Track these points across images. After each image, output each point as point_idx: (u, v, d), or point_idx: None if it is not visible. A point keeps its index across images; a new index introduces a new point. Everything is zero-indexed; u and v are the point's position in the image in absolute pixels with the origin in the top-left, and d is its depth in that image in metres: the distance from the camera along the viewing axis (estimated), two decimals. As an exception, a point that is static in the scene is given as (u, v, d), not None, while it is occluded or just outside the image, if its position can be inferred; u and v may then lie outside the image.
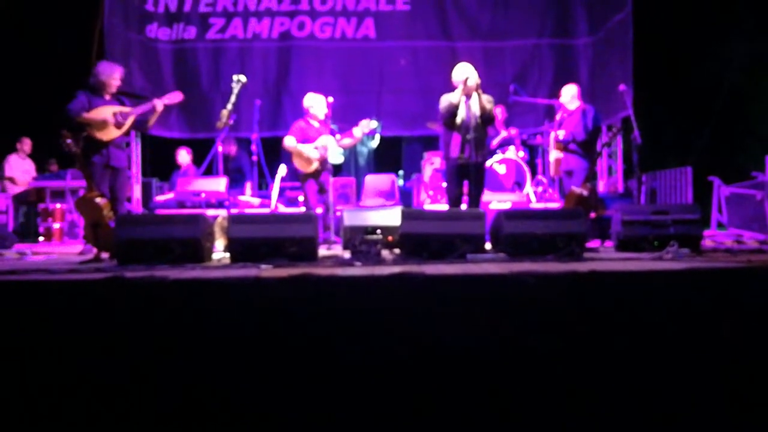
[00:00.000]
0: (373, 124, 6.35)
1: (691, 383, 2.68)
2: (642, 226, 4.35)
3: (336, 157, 6.26)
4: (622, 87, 6.31)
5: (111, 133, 5.15)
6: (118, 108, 5.21)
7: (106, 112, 5.16)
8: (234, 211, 5.83)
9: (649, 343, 2.70)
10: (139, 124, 5.36)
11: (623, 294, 2.83)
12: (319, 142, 6.19)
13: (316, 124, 6.32)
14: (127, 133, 5.40)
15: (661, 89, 10.92)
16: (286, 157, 8.97)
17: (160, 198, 7.43)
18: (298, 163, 6.33)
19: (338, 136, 6.31)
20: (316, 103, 6.34)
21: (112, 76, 5.25)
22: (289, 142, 6.30)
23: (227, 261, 3.95)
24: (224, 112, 5.32)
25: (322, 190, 6.29)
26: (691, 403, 2.65)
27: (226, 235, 4.12)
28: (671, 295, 2.85)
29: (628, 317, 2.77)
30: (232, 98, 5.41)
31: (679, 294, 2.86)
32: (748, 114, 12.25)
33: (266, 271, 3.33)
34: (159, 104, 5.21)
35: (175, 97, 5.41)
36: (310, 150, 6.20)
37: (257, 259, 3.70)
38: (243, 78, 5.53)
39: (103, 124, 5.12)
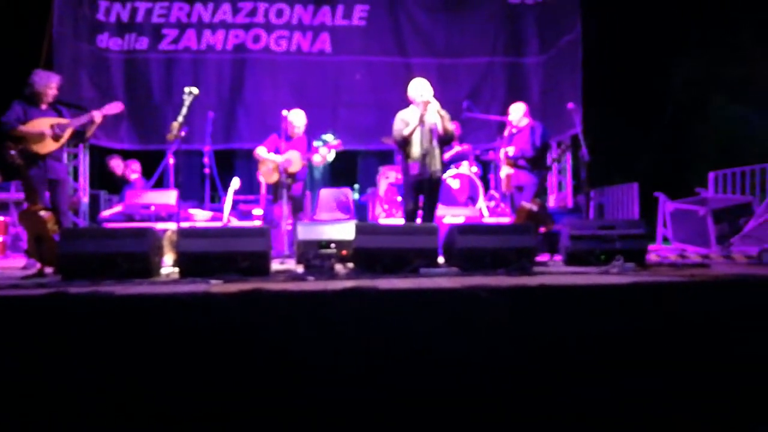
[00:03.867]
0: (333, 141, 6.47)
1: (636, 393, 2.74)
2: (589, 240, 4.44)
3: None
4: (570, 105, 6.48)
5: (48, 146, 5.03)
6: (55, 120, 5.09)
7: (43, 124, 5.04)
8: (184, 224, 5.73)
9: (595, 355, 2.76)
10: (78, 136, 5.26)
11: (571, 307, 2.89)
12: (283, 156, 6.25)
13: (291, 138, 6.42)
14: (71, 145, 5.32)
15: (610, 107, 11.24)
16: (239, 169, 8.94)
17: (106, 213, 7.24)
18: (263, 174, 6.38)
19: (326, 149, 6.37)
20: (296, 120, 6.49)
21: (48, 85, 5.14)
22: (258, 151, 6.52)
23: (176, 276, 3.87)
24: (175, 124, 5.25)
25: (297, 207, 6.41)
26: (636, 413, 2.71)
27: (175, 250, 4.04)
28: (617, 308, 2.92)
29: (576, 330, 2.82)
30: (183, 110, 5.34)
31: (625, 307, 2.93)
32: (693, 132, 12.70)
33: (216, 286, 3.27)
34: (97, 116, 5.12)
35: (115, 107, 5.33)
36: (272, 162, 6.28)
37: (207, 273, 3.63)
38: (195, 90, 5.48)
39: (39, 137, 5.01)
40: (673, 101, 11.55)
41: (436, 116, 5.48)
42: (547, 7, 8.96)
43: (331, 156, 6.52)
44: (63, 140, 5.08)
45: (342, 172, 10.01)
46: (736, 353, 2.84)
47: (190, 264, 3.79)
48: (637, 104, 11.93)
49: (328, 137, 8.34)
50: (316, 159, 6.39)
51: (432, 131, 5.44)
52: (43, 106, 5.16)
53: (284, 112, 6.36)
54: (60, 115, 5.23)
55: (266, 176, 6.42)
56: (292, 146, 6.37)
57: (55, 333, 2.59)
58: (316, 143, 6.69)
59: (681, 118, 12.20)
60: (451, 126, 5.59)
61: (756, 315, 2.93)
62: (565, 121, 7.54)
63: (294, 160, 6.29)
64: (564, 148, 6.86)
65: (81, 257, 3.74)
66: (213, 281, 3.45)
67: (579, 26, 8.22)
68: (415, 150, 5.44)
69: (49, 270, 4.36)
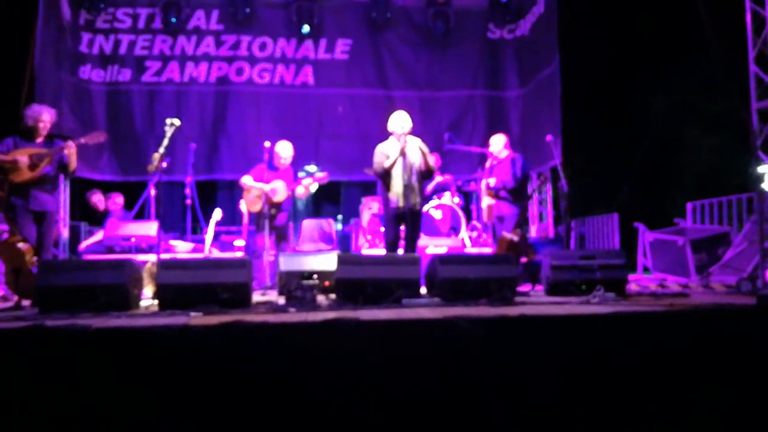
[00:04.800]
0: (319, 174, 6.47)
1: (617, 421, 2.74)
2: (570, 270, 4.48)
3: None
4: (549, 137, 6.57)
5: (23, 175, 4.96)
6: (35, 150, 5.04)
7: (21, 153, 5.00)
8: (165, 256, 5.68)
9: (575, 384, 2.75)
10: (62, 168, 5.19)
11: (552, 337, 2.89)
12: (269, 185, 6.25)
13: (277, 168, 6.44)
14: (59, 176, 5.26)
15: (590, 139, 11.41)
16: (221, 200, 8.91)
17: (85, 244, 7.15)
18: (247, 202, 6.35)
19: (310, 181, 6.36)
20: (283, 151, 6.46)
21: (40, 119, 5.10)
22: (244, 180, 6.45)
23: (155, 308, 3.83)
24: (156, 156, 5.23)
25: (281, 237, 6.35)
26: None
27: (155, 282, 4.00)
28: (597, 338, 2.93)
29: (557, 360, 2.82)
30: (165, 141, 5.34)
31: (605, 337, 2.94)
32: (671, 163, 12.91)
33: (195, 318, 3.24)
34: (71, 145, 5.05)
35: (97, 137, 5.30)
36: (257, 191, 6.27)
37: (187, 306, 3.60)
38: (176, 121, 5.48)
39: (14, 166, 4.94)
40: (651, 133, 11.75)
41: (417, 152, 5.54)
42: (525, 42, 9.16)
43: (313, 188, 6.53)
44: (39, 169, 5.00)
45: (325, 202, 10.01)
46: (716, 382, 2.86)
47: (170, 296, 3.76)
48: (616, 136, 12.13)
49: (311, 168, 8.36)
50: (299, 191, 6.40)
51: (412, 165, 5.49)
52: (39, 140, 5.11)
53: (267, 144, 6.38)
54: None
55: (250, 205, 6.40)
56: (278, 176, 6.38)
57: (32, 367, 2.54)
58: (300, 174, 6.70)
59: (660, 150, 12.39)
60: (432, 161, 5.68)
61: (735, 343, 2.95)
62: (545, 153, 7.64)
63: (279, 189, 6.29)
64: (543, 180, 6.94)
65: (58, 290, 3.69)
66: (193, 313, 3.43)
67: (557, 60, 8.38)
68: (396, 183, 5.48)
69: (26, 303, 4.30)
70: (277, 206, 6.32)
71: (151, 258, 5.34)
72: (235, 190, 7.86)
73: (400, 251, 5.56)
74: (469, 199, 8.52)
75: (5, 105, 7.29)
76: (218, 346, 2.63)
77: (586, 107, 11.03)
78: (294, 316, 3.37)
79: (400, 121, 5.53)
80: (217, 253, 6.75)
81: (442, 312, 3.29)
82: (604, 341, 2.89)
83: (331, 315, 3.15)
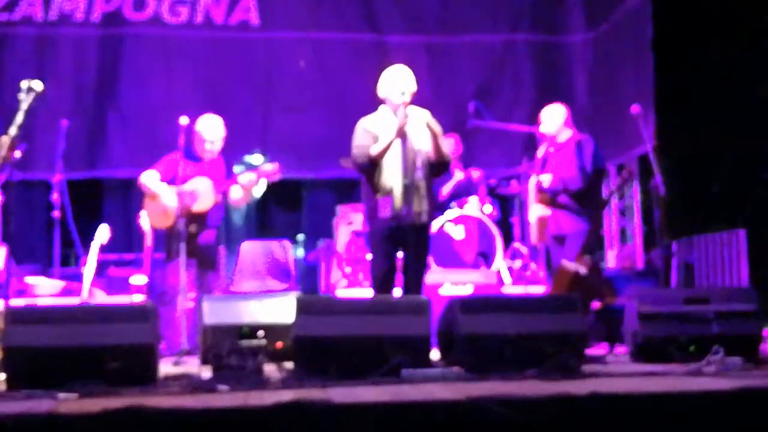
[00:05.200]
0: (267, 167, 6.40)
1: None
2: (670, 321, 4.52)
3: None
4: (635, 108, 6.57)
5: None
6: None
7: None
8: (17, 302, 5.66)
9: None
10: None
11: (640, 429, 2.90)
12: (187, 185, 6.20)
13: (199, 159, 6.38)
14: None
15: (698, 112, 11.46)
16: (110, 212, 8.91)
17: None
18: (150, 214, 6.32)
19: (252, 177, 6.31)
20: (209, 131, 6.43)
21: None
22: (146, 178, 6.36)
23: (3, 386, 3.85)
24: (5, 139, 5.23)
25: (205, 268, 6.34)
26: None
27: (1, 344, 4.01)
28: (713, 429, 2.94)
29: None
30: (20, 117, 5.33)
31: (726, 426, 2.95)
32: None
33: (66, 402, 3.25)
34: None
35: None
36: (167, 195, 6.21)
37: (54, 383, 3.60)
38: (38, 85, 5.48)
39: None
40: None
41: (425, 132, 5.55)
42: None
43: (259, 190, 6.52)
44: None
45: (277, 214, 10.04)
46: None
47: (26, 367, 3.77)
48: (740, 109, 12.18)
49: (255, 158, 8.38)
50: (236, 194, 6.40)
51: (417, 152, 5.48)
52: None
53: (184, 120, 6.38)
54: None
55: (155, 219, 6.36)
56: (201, 172, 6.36)
57: None
58: (236, 168, 6.69)
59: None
60: (449, 146, 5.67)
61: None
62: (629, 134, 7.68)
63: (202, 193, 6.27)
64: (627, 177, 6.94)
65: None
66: (62, 395, 3.43)
67: (647, -13, 8.45)
68: (389, 179, 5.48)
69: None
70: (200, 220, 6.31)
71: (-3, 305, 5.35)
72: (133, 195, 7.85)
73: (398, 292, 5.57)
74: (508, 209, 8.56)
75: None
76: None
77: (694, 61, 11.10)
78: (226, 398, 3.40)
79: (397, 81, 5.56)
80: (102, 297, 6.74)
81: (465, 390, 3.32)
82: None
83: (286, 396, 3.17)
